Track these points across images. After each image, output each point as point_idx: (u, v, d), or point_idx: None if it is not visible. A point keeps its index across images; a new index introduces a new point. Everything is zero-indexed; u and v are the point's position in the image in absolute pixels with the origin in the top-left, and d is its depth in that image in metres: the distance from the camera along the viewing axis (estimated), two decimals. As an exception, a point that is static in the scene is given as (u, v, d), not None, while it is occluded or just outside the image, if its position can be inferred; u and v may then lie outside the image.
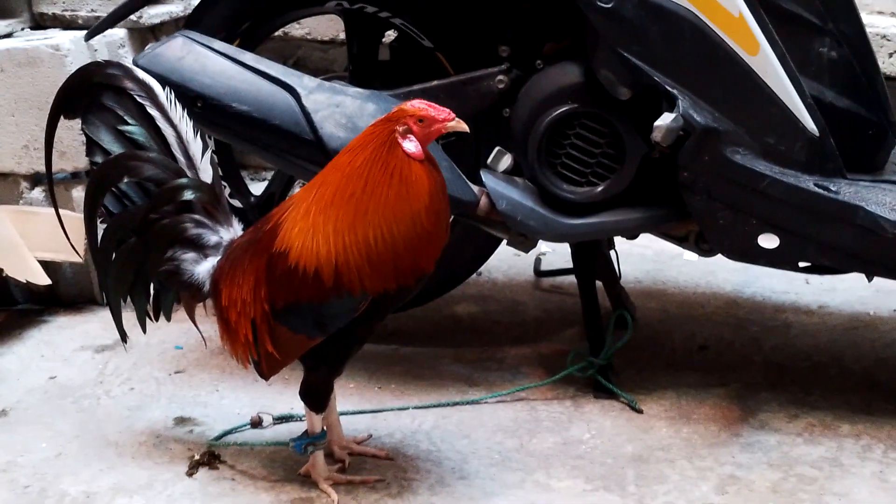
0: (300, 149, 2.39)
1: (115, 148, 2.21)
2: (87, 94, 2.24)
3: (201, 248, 2.20)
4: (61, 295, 3.23)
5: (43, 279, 3.02)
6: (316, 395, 2.18)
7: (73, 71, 2.34)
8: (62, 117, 2.29)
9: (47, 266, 3.06)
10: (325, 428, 2.23)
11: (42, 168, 2.93)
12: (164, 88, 2.23)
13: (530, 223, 2.40)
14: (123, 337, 2.33)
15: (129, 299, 2.27)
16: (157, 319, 2.30)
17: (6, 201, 3.16)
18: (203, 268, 2.19)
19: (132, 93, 2.21)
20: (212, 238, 2.21)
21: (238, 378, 2.68)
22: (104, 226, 2.25)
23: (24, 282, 3.00)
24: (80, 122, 2.26)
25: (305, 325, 2.06)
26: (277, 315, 2.06)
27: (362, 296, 2.00)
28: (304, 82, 2.41)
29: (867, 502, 2.12)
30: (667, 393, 2.56)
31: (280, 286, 2.04)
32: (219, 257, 2.19)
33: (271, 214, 2.13)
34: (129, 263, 2.23)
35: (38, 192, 3.16)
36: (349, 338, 2.10)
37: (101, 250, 2.25)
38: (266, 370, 2.15)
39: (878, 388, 2.56)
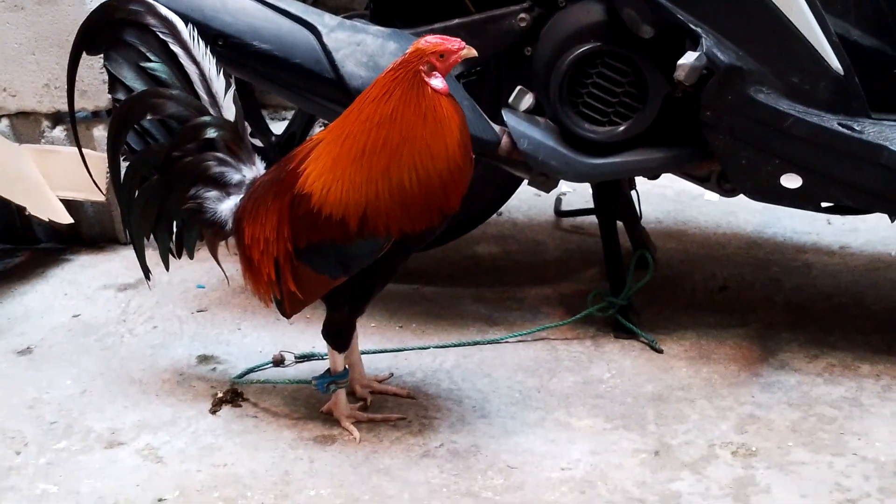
0: (321, 88, 2.38)
1: (138, 85, 2.21)
2: (109, 30, 2.23)
3: (224, 186, 2.20)
4: (83, 234, 3.25)
5: (65, 218, 3.04)
6: (339, 334, 2.19)
7: (92, 8, 2.33)
8: (84, 54, 2.28)
9: (69, 205, 3.08)
10: (347, 367, 2.24)
11: (64, 107, 2.94)
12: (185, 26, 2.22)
13: (552, 163, 2.39)
14: (147, 274, 2.34)
15: (151, 237, 2.28)
16: (179, 257, 2.31)
17: (28, 140, 3.17)
18: (226, 206, 2.20)
19: (155, 29, 2.20)
20: (234, 176, 2.21)
21: (260, 317, 2.70)
22: (127, 163, 2.25)
23: (47, 220, 3.01)
24: (101, 59, 2.25)
25: (328, 264, 2.06)
26: (300, 254, 2.07)
27: (387, 237, 2.00)
28: (324, 20, 2.39)
29: (886, 442, 2.13)
30: (687, 333, 2.57)
31: (303, 226, 2.04)
32: (241, 195, 2.19)
33: (294, 153, 2.13)
34: (153, 201, 2.24)
35: (59, 131, 3.16)
36: (372, 278, 2.10)
37: (124, 188, 2.25)
38: (288, 309, 2.16)
39: (899, 329, 2.57)
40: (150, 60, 2.20)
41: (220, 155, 2.20)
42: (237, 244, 2.19)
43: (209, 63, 2.21)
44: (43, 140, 3.17)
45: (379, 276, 2.11)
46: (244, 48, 2.37)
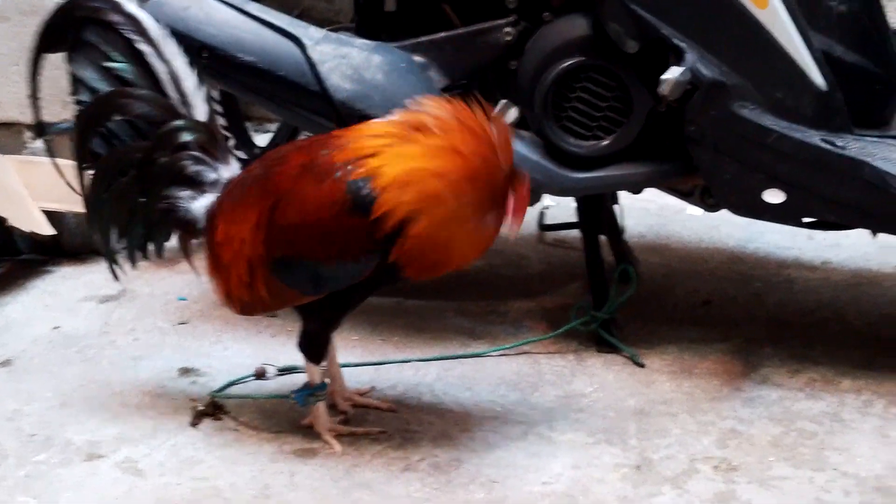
0: (306, 100, 2.38)
1: (101, 86, 2.16)
2: (70, 30, 2.18)
3: (198, 185, 2.16)
4: (65, 245, 3.23)
5: (47, 229, 3.03)
6: (312, 346, 2.17)
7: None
8: (46, 53, 2.23)
9: (51, 216, 3.06)
10: (325, 379, 2.23)
11: (46, 118, 2.92)
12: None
13: (535, 176, 2.39)
14: (115, 275, 2.30)
15: (118, 238, 2.24)
16: (147, 258, 2.27)
17: (10, 151, 3.16)
18: (199, 204, 2.16)
19: (120, 27, 2.15)
20: (210, 175, 2.17)
21: (241, 329, 2.69)
22: (94, 167, 2.21)
23: (28, 232, 3.00)
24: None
25: (300, 281, 2.04)
26: (273, 263, 2.03)
27: (366, 262, 1.99)
28: (309, 33, 2.39)
29: (867, 457, 2.13)
30: (669, 347, 2.57)
31: (282, 235, 2.01)
32: (216, 194, 2.15)
33: (285, 154, 2.10)
34: (123, 203, 2.19)
35: (42, 142, 3.15)
36: (347, 298, 2.08)
37: (92, 191, 2.21)
38: (253, 310, 2.14)
39: (880, 344, 2.56)
40: (115, 60, 2.16)
41: (195, 154, 2.16)
42: (207, 241, 2.15)
43: (179, 61, 2.17)
44: (25, 151, 3.16)
45: (354, 297, 2.09)
46: (229, 60, 2.37)
